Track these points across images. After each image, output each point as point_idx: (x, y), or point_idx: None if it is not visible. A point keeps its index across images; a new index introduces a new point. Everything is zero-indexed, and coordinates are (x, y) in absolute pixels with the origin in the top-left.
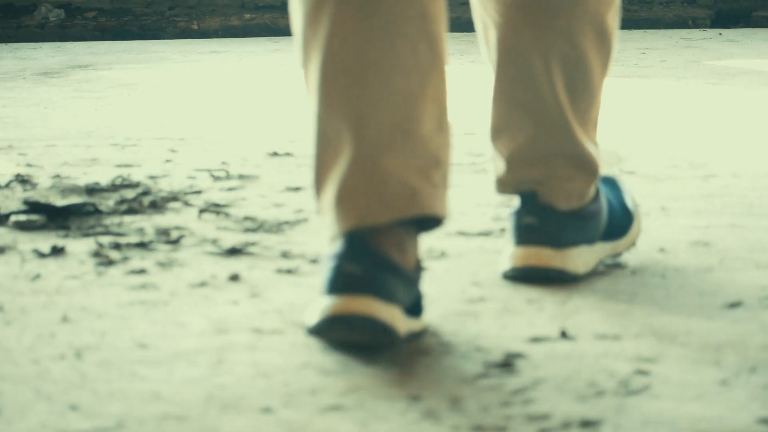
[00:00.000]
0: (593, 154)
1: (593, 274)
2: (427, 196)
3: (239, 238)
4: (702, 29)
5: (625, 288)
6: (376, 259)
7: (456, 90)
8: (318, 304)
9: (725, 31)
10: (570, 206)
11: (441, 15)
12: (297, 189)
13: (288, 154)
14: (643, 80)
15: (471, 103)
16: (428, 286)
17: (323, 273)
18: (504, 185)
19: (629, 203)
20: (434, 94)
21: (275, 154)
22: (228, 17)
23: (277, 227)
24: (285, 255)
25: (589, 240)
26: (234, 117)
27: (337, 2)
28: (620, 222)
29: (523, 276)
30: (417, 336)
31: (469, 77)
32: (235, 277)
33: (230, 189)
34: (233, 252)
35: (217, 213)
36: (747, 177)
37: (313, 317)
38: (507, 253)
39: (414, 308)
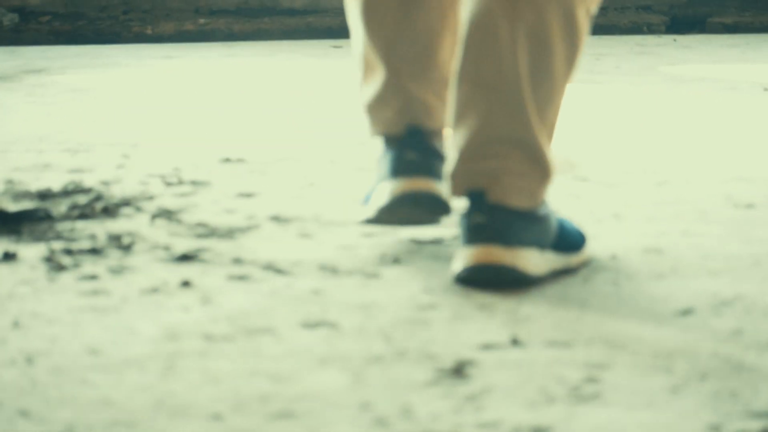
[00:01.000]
0: (547, 152)
1: (544, 281)
2: (440, 112)
3: (191, 244)
4: (657, 35)
5: (576, 295)
6: (429, 149)
7: None
8: (385, 186)
9: (680, 37)
10: (520, 205)
11: None
12: (249, 195)
13: (240, 160)
14: (597, 86)
15: None
16: (380, 292)
17: (383, 162)
18: (456, 181)
19: (577, 227)
20: (451, 28)
21: (228, 159)
22: (182, 22)
23: (229, 233)
24: (236, 261)
25: (540, 244)
26: (187, 122)
27: None
28: (573, 237)
29: (474, 275)
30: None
31: None
32: (186, 284)
33: (182, 195)
34: (185, 258)
35: (169, 219)
36: (700, 183)
37: (382, 198)
38: (458, 254)
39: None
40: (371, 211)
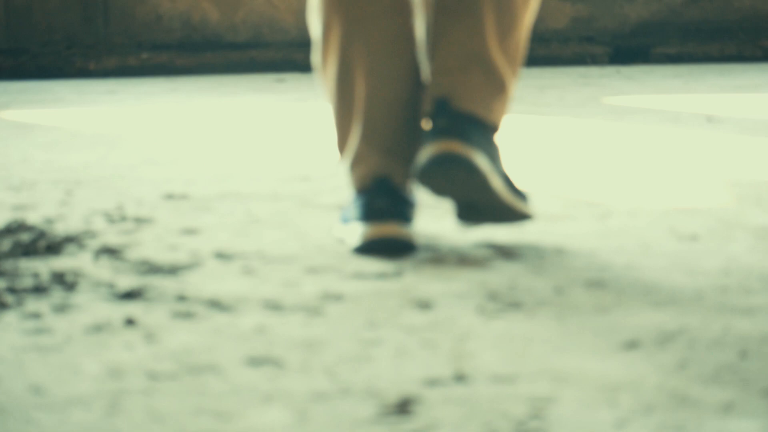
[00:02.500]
0: (505, 74)
1: (489, 315)
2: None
3: (135, 281)
4: (601, 66)
5: (521, 329)
6: (395, 195)
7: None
8: (356, 230)
9: (624, 68)
10: (479, 113)
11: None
12: (192, 231)
13: (184, 196)
14: (541, 117)
15: None
16: (324, 329)
17: (355, 208)
18: (428, 93)
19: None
20: (412, 96)
21: (171, 196)
22: (125, 57)
23: (173, 270)
24: (180, 298)
25: (492, 158)
26: (130, 159)
27: (345, 33)
28: (518, 189)
29: (435, 165)
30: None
31: None
32: (130, 321)
33: (126, 232)
34: (129, 296)
35: (113, 256)
36: (643, 216)
37: (355, 240)
38: (422, 150)
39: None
40: (352, 245)
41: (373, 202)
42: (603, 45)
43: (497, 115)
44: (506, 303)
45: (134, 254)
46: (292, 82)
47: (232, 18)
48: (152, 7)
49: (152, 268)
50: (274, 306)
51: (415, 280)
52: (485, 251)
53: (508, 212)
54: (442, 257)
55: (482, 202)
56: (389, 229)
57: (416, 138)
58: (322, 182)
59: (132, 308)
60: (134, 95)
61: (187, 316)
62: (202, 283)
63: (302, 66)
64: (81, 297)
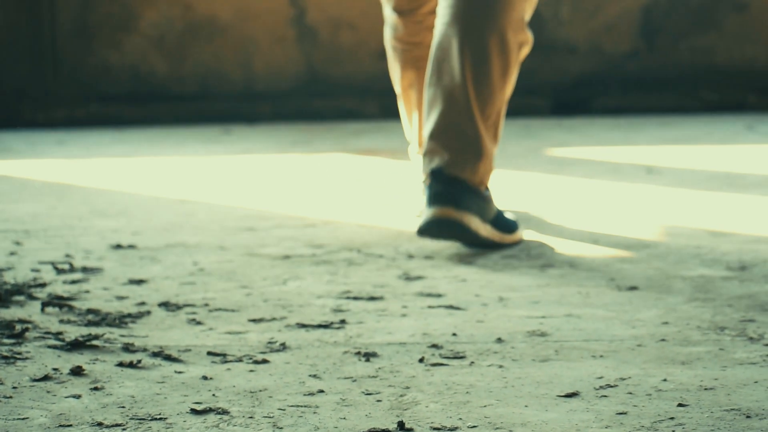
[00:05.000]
0: (487, 142)
1: (431, 365)
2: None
3: (82, 331)
4: (542, 118)
5: (463, 379)
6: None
7: (297, 182)
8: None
9: (565, 120)
10: (468, 178)
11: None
12: (140, 282)
13: (131, 247)
14: None
15: (310, 196)
16: (268, 378)
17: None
18: (424, 160)
19: (512, 217)
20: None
21: (119, 246)
22: (74, 108)
23: (120, 320)
24: (127, 348)
25: (481, 215)
26: (78, 209)
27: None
28: (508, 223)
29: (432, 227)
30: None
31: (311, 168)
32: (77, 371)
33: (74, 282)
34: (76, 345)
35: (61, 306)
36: (584, 266)
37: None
38: (422, 214)
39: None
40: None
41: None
42: (544, 97)
43: (483, 175)
44: (448, 353)
45: (82, 304)
46: (238, 133)
47: (180, 70)
48: (101, 59)
49: (100, 318)
50: (219, 355)
51: (359, 329)
52: (428, 301)
53: (498, 246)
54: (385, 307)
55: (474, 245)
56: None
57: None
58: (267, 233)
59: (79, 358)
60: (83, 146)
61: (133, 365)
62: (148, 332)
63: (249, 118)
64: (29, 347)
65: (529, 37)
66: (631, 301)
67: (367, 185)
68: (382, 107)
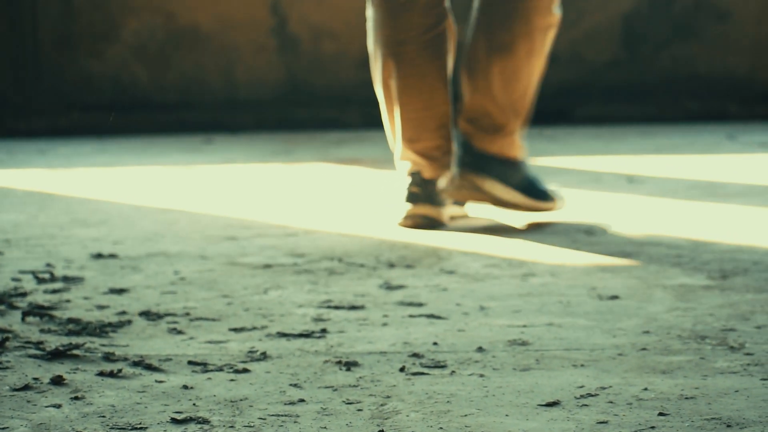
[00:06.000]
0: (507, 117)
1: (412, 374)
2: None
3: (63, 340)
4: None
5: (444, 388)
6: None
7: (279, 191)
8: (401, 209)
9: (546, 130)
10: (490, 148)
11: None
12: (121, 291)
13: (112, 256)
14: None
15: (292, 205)
16: (249, 387)
17: (402, 191)
18: (456, 134)
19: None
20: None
21: (100, 255)
22: (55, 117)
23: (101, 329)
24: (107, 357)
25: (504, 180)
26: (59, 219)
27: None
28: (540, 191)
29: (457, 187)
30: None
31: (292, 177)
32: (57, 380)
33: (55, 291)
34: (56, 354)
35: (42, 316)
36: (565, 275)
37: (399, 216)
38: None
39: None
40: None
41: (411, 190)
42: None
43: (507, 148)
44: (429, 362)
45: (63, 313)
46: (220, 143)
47: (161, 79)
48: (82, 68)
49: (80, 328)
50: (200, 365)
51: (340, 339)
52: (409, 310)
53: (531, 210)
54: (366, 316)
55: (505, 208)
56: (422, 209)
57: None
58: (248, 242)
59: (60, 367)
60: (64, 156)
61: (114, 375)
62: (129, 342)
63: (230, 127)
64: (9, 356)
65: (555, 19)
66: (611, 310)
67: (348, 194)
68: (363, 116)
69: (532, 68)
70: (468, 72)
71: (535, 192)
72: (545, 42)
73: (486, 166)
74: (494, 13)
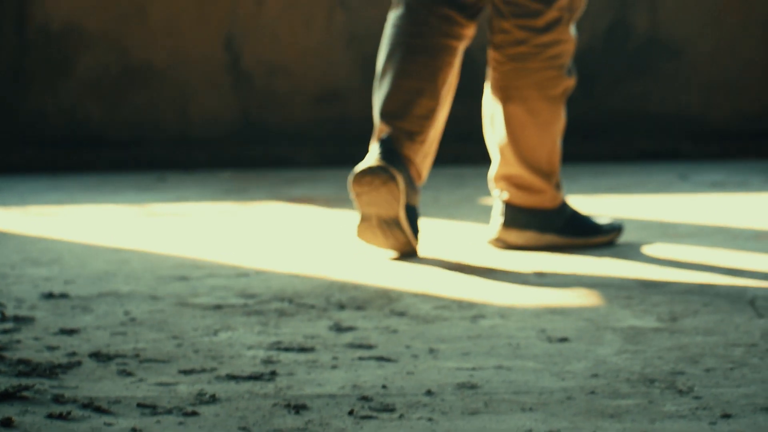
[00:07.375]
0: (531, 179)
1: (361, 417)
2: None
3: (12, 382)
4: (476, 167)
5: (392, 431)
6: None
7: (231, 230)
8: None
9: None
10: (524, 203)
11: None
12: (71, 332)
13: (63, 296)
14: None
15: (244, 244)
16: (197, 431)
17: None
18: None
19: (602, 222)
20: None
21: (51, 295)
22: (8, 154)
23: (50, 371)
24: (57, 399)
25: (539, 228)
26: (10, 258)
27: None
28: (583, 227)
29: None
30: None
31: (245, 216)
32: (6, 422)
33: (4, 331)
34: (5, 396)
35: None
36: (514, 317)
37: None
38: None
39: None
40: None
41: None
42: (478, 145)
43: (540, 200)
44: (378, 405)
45: (12, 354)
46: (173, 181)
47: (115, 115)
48: (36, 103)
49: (30, 369)
50: (149, 407)
51: (289, 381)
52: (359, 352)
53: (572, 247)
54: (316, 358)
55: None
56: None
57: None
58: (199, 282)
59: (9, 409)
60: (17, 193)
61: (63, 417)
62: (79, 384)
63: (184, 164)
64: None
65: (569, 81)
66: (561, 353)
67: (300, 233)
68: (316, 155)
69: (551, 133)
70: (492, 141)
71: (575, 228)
72: (559, 108)
73: (521, 219)
74: (508, 89)
